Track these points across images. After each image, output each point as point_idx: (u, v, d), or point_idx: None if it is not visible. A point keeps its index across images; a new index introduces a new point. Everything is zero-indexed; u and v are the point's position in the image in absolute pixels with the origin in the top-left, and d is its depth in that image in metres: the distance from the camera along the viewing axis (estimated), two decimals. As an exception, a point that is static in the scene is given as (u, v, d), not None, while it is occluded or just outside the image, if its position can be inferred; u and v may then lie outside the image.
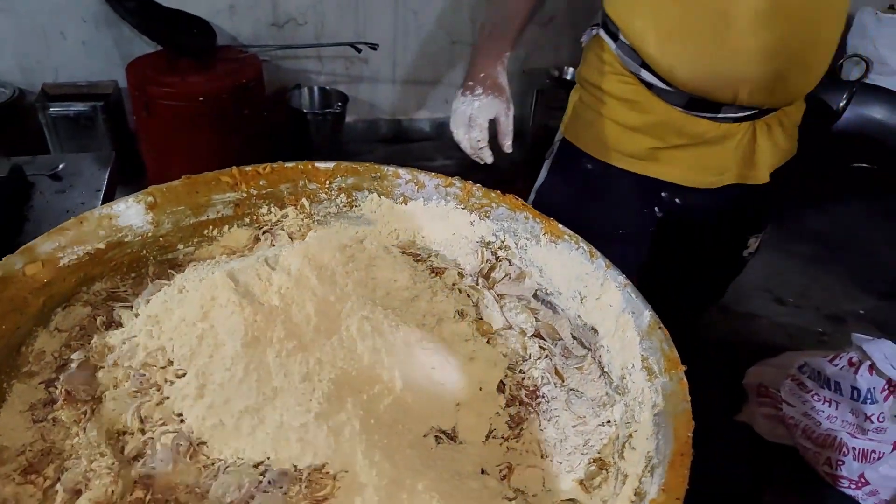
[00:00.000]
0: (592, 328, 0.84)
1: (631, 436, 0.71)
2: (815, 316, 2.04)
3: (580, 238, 0.89)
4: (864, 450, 1.30)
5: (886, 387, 1.25)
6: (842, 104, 2.20)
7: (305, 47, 2.58)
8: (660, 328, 0.76)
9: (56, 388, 0.70)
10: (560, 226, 0.91)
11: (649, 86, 1.07)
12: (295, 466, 0.57)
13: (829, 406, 1.44)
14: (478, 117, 1.04)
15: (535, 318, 0.86)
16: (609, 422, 0.75)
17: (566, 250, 0.90)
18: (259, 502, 0.55)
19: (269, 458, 0.58)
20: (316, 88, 2.72)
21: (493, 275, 0.94)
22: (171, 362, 0.68)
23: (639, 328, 0.78)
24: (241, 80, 2.25)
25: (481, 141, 1.06)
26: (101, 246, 0.85)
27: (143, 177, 2.44)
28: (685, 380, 0.69)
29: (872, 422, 1.32)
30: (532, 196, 1.30)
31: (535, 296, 0.93)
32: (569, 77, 2.83)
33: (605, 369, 0.81)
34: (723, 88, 0.99)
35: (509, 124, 1.06)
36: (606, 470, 0.70)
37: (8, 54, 2.38)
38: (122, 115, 2.50)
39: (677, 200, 1.15)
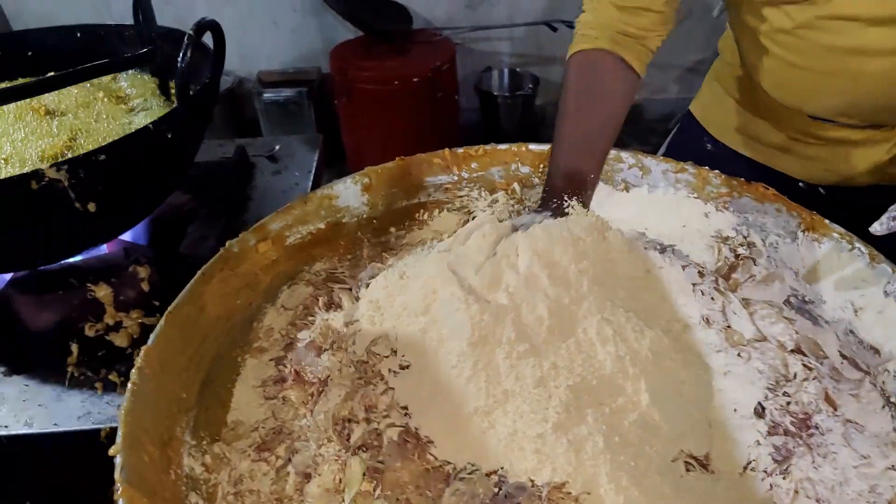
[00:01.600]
0: (872, 347, 0.69)
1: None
2: None
3: (855, 237, 0.74)
4: None
5: None
6: None
7: (499, 28, 2.54)
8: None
9: (285, 366, 0.71)
10: (827, 221, 0.76)
11: None
12: (532, 481, 0.52)
13: None
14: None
15: (794, 329, 0.73)
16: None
17: (834, 249, 0.75)
18: (493, 516, 0.50)
19: (503, 469, 0.53)
20: (506, 70, 2.67)
21: (733, 275, 0.81)
22: (394, 352, 0.65)
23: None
24: (434, 63, 2.27)
25: None
26: (322, 226, 0.86)
27: (342, 159, 2.56)
28: None
29: None
30: None
31: (787, 302, 0.79)
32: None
33: (892, 399, 0.66)
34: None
35: None
36: (901, 527, 0.56)
37: (231, 44, 2.60)
38: (325, 99, 2.64)
39: (821, 190, 0.93)
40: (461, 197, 0.94)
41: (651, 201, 0.89)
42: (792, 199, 0.80)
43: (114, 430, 0.55)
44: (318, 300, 0.80)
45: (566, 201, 0.79)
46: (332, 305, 0.79)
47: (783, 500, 0.57)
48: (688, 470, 0.57)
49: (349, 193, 0.88)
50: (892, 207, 0.61)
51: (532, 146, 0.93)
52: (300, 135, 1.59)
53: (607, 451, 0.52)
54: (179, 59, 0.77)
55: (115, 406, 0.78)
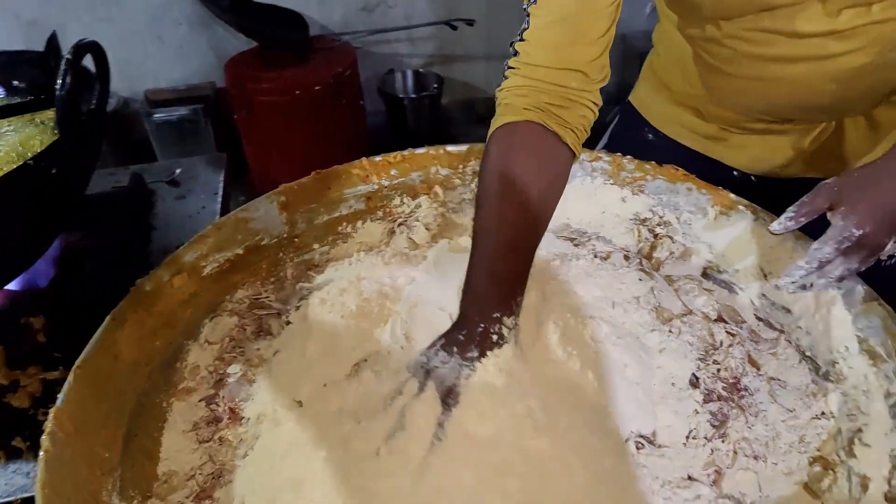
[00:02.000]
0: (784, 308, 0.73)
1: (860, 430, 0.61)
2: None
3: (758, 208, 0.78)
4: None
5: None
6: None
7: (399, 30, 2.52)
8: (880, 304, 0.64)
9: (218, 405, 0.68)
10: (732, 196, 0.80)
11: None
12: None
13: None
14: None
15: (714, 299, 0.76)
16: (824, 413, 0.64)
17: (742, 221, 0.79)
18: None
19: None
20: (409, 72, 2.66)
21: (654, 255, 0.84)
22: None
23: (850, 305, 0.66)
24: (336, 69, 2.23)
25: None
26: (240, 251, 0.82)
27: (246, 176, 2.47)
28: (931, 369, 0.58)
29: None
30: None
31: (704, 275, 0.82)
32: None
33: (807, 353, 0.70)
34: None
35: None
36: (833, 470, 0.60)
37: (111, 63, 2.46)
38: (223, 115, 2.54)
39: (753, 178, 0.96)
40: (383, 206, 0.92)
41: (570, 191, 0.89)
42: (726, 188, 0.82)
43: (26, 502, 0.50)
44: (245, 330, 0.76)
45: (492, 331, 0.62)
46: (261, 333, 0.76)
47: (724, 462, 0.59)
48: (638, 448, 0.58)
49: (266, 214, 0.84)
50: (789, 208, 0.63)
51: (450, 148, 0.92)
52: (201, 155, 1.52)
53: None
54: (58, 86, 0.71)
55: (23, 474, 0.71)
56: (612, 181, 0.89)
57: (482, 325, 0.61)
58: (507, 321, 0.62)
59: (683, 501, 0.56)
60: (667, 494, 0.56)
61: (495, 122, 0.70)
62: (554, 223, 0.89)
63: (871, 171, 0.61)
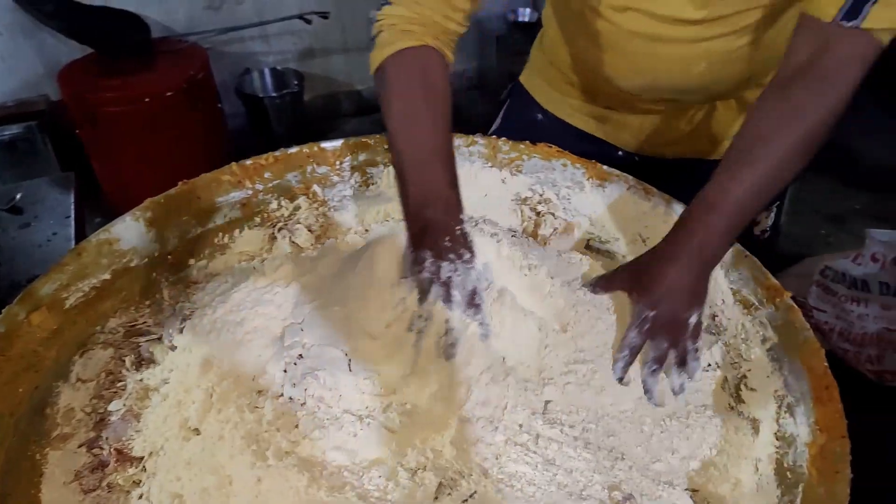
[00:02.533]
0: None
1: (745, 376, 0.66)
2: (816, 219, 2.03)
3: (630, 176, 0.82)
4: (902, 340, 1.29)
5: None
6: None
7: (251, 27, 2.41)
8: (746, 257, 0.70)
9: (102, 448, 0.61)
10: (605, 167, 0.84)
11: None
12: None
13: (860, 305, 1.43)
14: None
15: (599, 266, 0.79)
16: (710, 365, 0.69)
17: (616, 191, 0.83)
18: None
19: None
20: (267, 70, 2.55)
21: (539, 232, 0.86)
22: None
23: (721, 260, 0.71)
24: (187, 73, 2.08)
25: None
26: (107, 276, 0.75)
27: (98, 195, 2.27)
28: (796, 306, 0.63)
29: (905, 312, 1.32)
30: None
31: (587, 246, 0.86)
32: (526, 19, 2.72)
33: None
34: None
35: None
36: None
37: (-80, 83, 2.18)
38: (63, 131, 2.31)
39: (636, 159, 1.01)
40: (260, 211, 0.88)
41: (450, 177, 0.90)
42: (611, 166, 0.84)
43: None
44: (123, 361, 0.70)
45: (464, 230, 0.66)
46: (142, 363, 0.70)
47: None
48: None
49: (132, 233, 0.77)
50: (618, 355, 0.65)
51: (325, 144, 0.90)
52: (43, 177, 1.38)
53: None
54: None
55: None
56: (490, 164, 0.90)
57: (458, 228, 0.64)
58: (464, 216, 0.66)
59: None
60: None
61: (386, 47, 0.72)
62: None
63: (656, 255, 0.67)
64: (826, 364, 0.57)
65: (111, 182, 2.24)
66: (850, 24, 0.60)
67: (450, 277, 0.61)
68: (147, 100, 2.03)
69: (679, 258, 0.64)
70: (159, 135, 2.09)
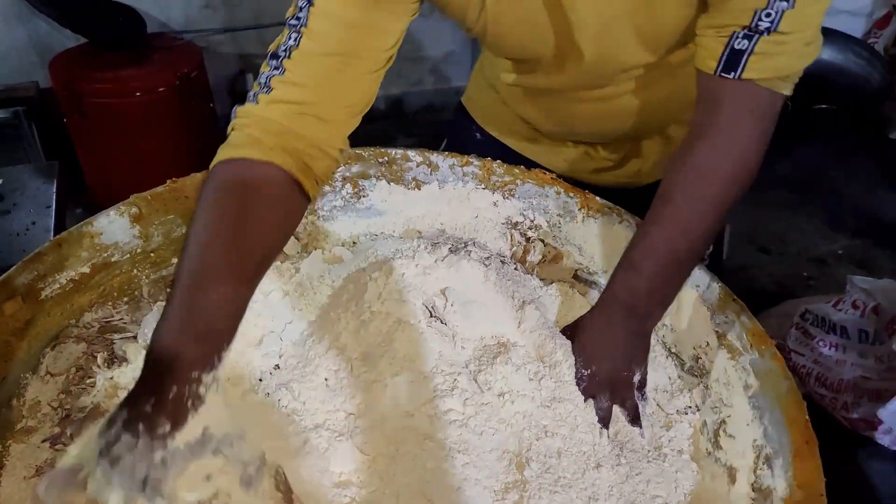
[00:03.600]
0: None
1: (724, 422, 0.66)
2: (798, 261, 2.06)
3: (623, 210, 0.82)
4: (876, 390, 1.31)
5: (892, 325, 1.25)
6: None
7: (248, 29, 2.40)
8: (734, 300, 0.70)
9: (65, 444, 0.59)
10: (598, 199, 0.84)
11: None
12: None
13: (837, 351, 1.44)
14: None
15: (587, 301, 0.79)
16: (689, 407, 0.69)
17: (608, 224, 0.83)
18: None
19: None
20: (261, 73, 2.55)
21: (528, 258, 0.86)
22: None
23: (707, 302, 0.72)
24: (181, 70, 2.07)
25: None
26: (86, 270, 0.73)
27: (83, 187, 2.23)
28: (780, 354, 0.64)
29: (882, 362, 1.33)
30: None
31: (575, 276, 0.86)
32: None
33: (672, 350, 0.75)
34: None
35: None
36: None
37: None
38: (51, 119, 2.27)
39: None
40: (247, 215, 0.86)
41: (443, 196, 0.90)
42: None
43: None
44: (95, 357, 0.68)
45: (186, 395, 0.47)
46: (114, 360, 0.68)
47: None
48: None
49: (115, 227, 0.75)
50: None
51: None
52: (27, 164, 1.35)
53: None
54: None
55: None
56: (483, 185, 0.90)
57: (175, 388, 0.46)
58: (206, 378, 0.48)
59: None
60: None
61: (224, 151, 0.58)
62: (428, 230, 0.89)
63: (593, 315, 0.69)
64: (808, 418, 0.57)
65: (95, 175, 2.20)
66: (730, 75, 0.60)
67: (118, 456, 0.43)
68: (138, 94, 2.01)
69: (612, 318, 0.66)
70: (148, 130, 2.06)
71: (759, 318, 0.68)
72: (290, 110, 0.59)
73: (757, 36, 0.58)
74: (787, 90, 0.62)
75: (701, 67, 0.63)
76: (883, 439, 1.00)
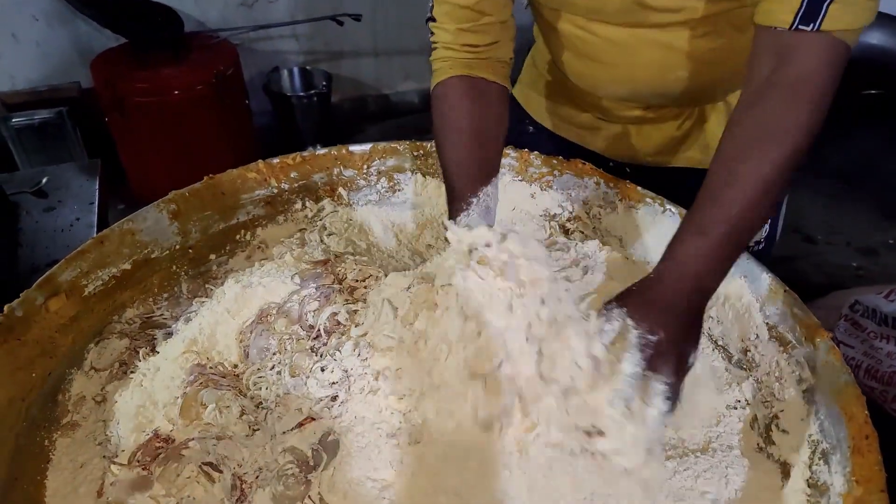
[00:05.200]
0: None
1: (776, 417, 0.63)
2: (847, 251, 1.98)
3: (665, 199, 0.80)
4: (930, 383, 1.25)
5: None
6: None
7: (282, 25, 2.42)
8: (786, 291, 0.67)
9: (110, 440, 0.60)
10: (639, 188, 0.82)
11: None
12: None
13: (889, 343, 1.39)
14: None
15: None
16: (739, 402, 0.67)
17: (649, 214, 0.81)
18: None
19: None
20: (296, 69, 2.56)
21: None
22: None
23: (756, 294, 0.69)
24: (217, 67, 2.09)
25: None
26: (127, 266, 0.74)
27: (123, 183, 2.28)
28: (837, 347, 0.61)
29: (935, 354, 1.27)
30: None
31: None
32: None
33: (719, 342, 0.72)
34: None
35: None
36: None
37: (-45, 65, 2.20)
38: (92, 118, 2.33)
39: (627, 169, 0.97)
40: (284, 210, 0.87)
41: (479, 189, 0.89)
42: None
43: None
44: (137, 352, 0.69)
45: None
46: (157, 354, 0.69)
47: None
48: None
49: (155, 224, 0.76)
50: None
51: (353, 148, 0.88)
52: (70, 162, 1.38)
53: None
54: None
55: None
56: (520, 177, 0.88)
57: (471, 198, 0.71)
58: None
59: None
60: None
61: (432, 80, 0.78)
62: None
63: (647, 282, 0.60)
64: (867, 412, 0.54)
65: (136, 171, 2.25)
66: (809, 27, 0.57)
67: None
68: (176, 92, 2.04)
69: (676, 287, 0.58)
70: (186, 128, 2.10)
71: (803, 309, 0.65)
72: (447, 53, 0.77)
73: None
74: (853, 42, 0.59)
75: (773, 23, 0.59)
76: (935, 434, 0.95)
